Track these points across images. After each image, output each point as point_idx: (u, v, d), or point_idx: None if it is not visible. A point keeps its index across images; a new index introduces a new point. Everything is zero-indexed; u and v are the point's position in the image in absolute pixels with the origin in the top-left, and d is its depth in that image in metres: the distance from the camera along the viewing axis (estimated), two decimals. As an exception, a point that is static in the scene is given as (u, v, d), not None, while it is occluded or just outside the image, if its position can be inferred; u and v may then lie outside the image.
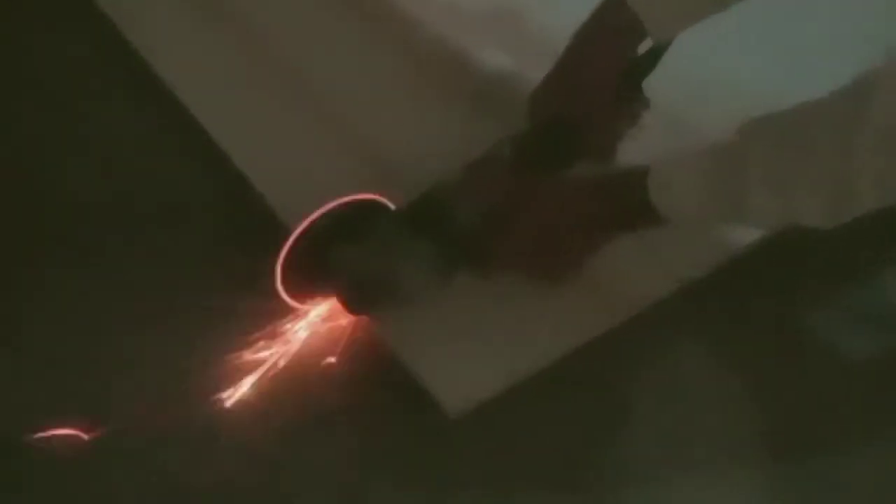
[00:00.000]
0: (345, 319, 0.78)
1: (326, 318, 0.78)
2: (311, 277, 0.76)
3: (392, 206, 0.78)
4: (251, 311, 0.76)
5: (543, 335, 0.76)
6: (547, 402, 0.76)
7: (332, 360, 0.76)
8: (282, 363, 0.76)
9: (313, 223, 0.75)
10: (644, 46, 0.78)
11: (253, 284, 0.76)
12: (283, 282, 0.74)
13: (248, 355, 0.75)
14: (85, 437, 0.71)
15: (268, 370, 0.75)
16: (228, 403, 0.73)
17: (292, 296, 0.75)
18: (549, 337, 0.76)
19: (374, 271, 0.75)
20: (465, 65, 0.91)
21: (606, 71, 0.77)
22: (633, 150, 0.80)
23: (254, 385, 0.74)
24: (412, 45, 0.94)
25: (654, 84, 0.81)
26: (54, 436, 0.71)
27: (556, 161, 0.79)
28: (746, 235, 0.81)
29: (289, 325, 0.77)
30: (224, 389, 0.74)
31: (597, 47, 0.77)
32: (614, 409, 0.78)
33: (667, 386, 0.80)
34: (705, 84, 0.88)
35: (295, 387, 0.76)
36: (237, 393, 0.73)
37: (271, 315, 0.77)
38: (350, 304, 0.76)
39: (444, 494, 0.73)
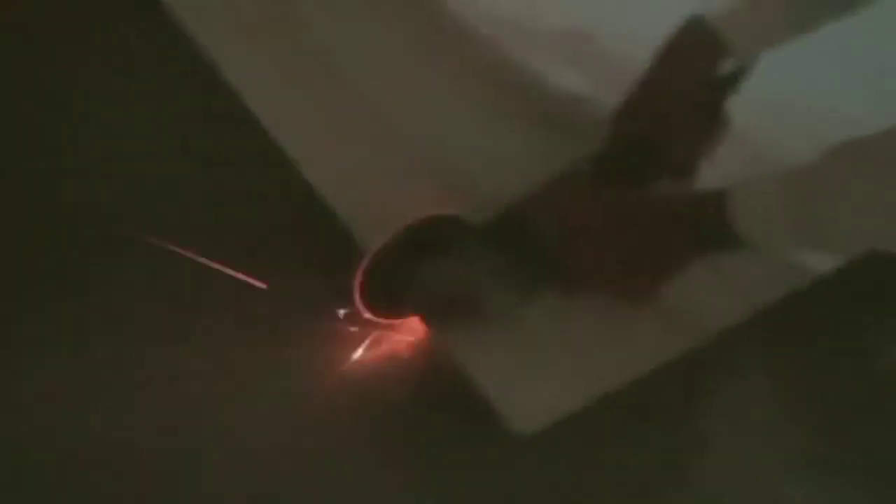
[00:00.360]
0: (420, 333, 0.79)
1: (403, 332, 0.79)
2: (391, 292, 0.76)
3: (472, 223, 0.79)
4: (330, 323, 0.79)
5: (616, 358, 0.77)
6: (615, 427, 0.77)
7: (403, 372, 0.78)
8: (355, 372, 0.78)
9: (395, 238, 0.76)
10: (726, 66, 0.79)
11: (334, 299, 0.78)
12: (362, 296, 0.75)
13: (325, 364, 0.78)
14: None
15: (342, 378, 0.77)
16: (303, 406, 0.75)
17: (371, 310, 0.76)
18: (621, 360, 0.76)
19: (455, 288, 0.76)
20: (538, 86, 0.94)
21: (688, 91, 0.79)
22: (712, 172, 0.81)
23: (327, 391, 0.76)
24: (487, 66, 0.96)
25: (736, 105, 0.81)
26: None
27: (636, 180, 0.80)
28: (823, 262, 0.80)
29: (364, 337, 0.78)
30: (301, 393, 0.76)
31: (678, 66, 0.79)
32: (684, 437, 0.78)
33: (738, 415, 0.79)
34: (788, 107, 0.89)
35: (365, 396, 0.77)
36: (312, 397, 0.75)
37: (348, 327, 0.79)
38: (430, 320, 0.77)
39: None
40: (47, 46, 1.07)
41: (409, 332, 0.81)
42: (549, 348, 0.77)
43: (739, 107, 0.81)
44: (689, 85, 0.79)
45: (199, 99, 0.97)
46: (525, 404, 0.74)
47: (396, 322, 0.79)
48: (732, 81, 0.80)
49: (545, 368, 0.77)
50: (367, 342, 0.80)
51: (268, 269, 0.87)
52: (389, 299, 0.77)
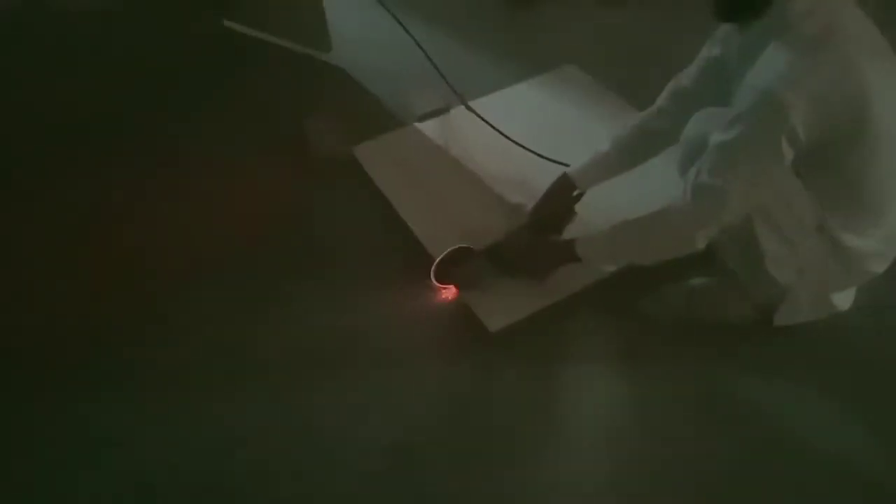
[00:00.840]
0: (454, 292, 1.83)
1: (448, 292, 1.85)
2: (445, 276, 1.82)
3: (478, 250, 1.84)
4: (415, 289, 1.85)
5: (544, 290, 1.78)
6: (558, 325, 1.76)
7: (447, 305, 1.82)
8: (429, 306, 1.82)
9: (446, 254, 1.82)
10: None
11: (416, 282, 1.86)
12: (436, 277, 1.82)
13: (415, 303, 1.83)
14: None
15: (423, 309, 1.82)
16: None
17: (438, 282, 1.82)
18: (544, 293, 1.78)
19: (472, 276, 1.82)
20: (504, 199, 2.06)
21: (560, 203, 1.86)
22: (570, 231, 1.87)
23: (414, 311, 1.81)
24: (483, 189, 2.11)
25: (580, 207, 1.89)
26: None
27: (542, 234, 1.85)
28: (615, 267, 1.71)
29: (431, 293, 1.86)
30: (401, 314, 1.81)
31: (558, 192, 1.85)
32: (561, 335, 1.73)
33: (585, 329, 1.75)
34: (600, 205, 1.87)
35: (431, 313, 1.81)
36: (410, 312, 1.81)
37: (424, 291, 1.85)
38: (461, 286, 1.82)
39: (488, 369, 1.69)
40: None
41: (450, 292, 1.84)
42: (504, 291, 1.79)
43: (581, 207, 1.89)
44: (562, 199, 1.86)
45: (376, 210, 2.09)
46: (492, 313, 1.76)
47: (447, 287, 1.83)
48: (577, 198, 1.87)
49: (501, 298, 1.78)
50: (435, 295, 1.85)
51: (387, 269, 1.94)
52: (445, 278, 1.82)
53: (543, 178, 1.96)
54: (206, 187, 2.20)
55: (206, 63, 2.58)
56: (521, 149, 2.17)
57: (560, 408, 1.63)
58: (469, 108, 2.29)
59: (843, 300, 1.68)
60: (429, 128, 2.35)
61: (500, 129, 2.21)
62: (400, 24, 2.36)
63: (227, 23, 2.70)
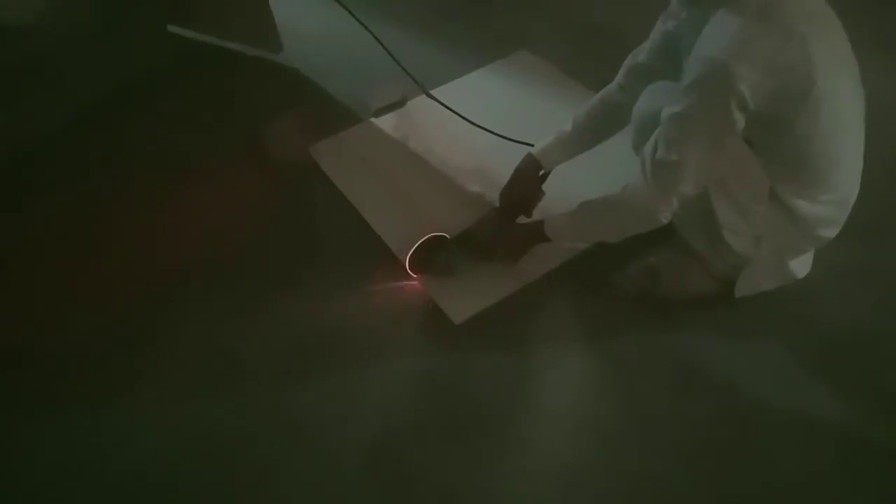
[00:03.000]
0: (422, 287, 1.85)
1: (415, 286, 1.87)
2: (420, 264, 1.85)
3: (450, 237, 1.87)
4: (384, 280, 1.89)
5: (503, 280, 1.82)
6: (525, 309, 1.80)
7: (415, 298, 1.85)
8: (396, 303, 1.85)
9: (420, 244, 1.83)
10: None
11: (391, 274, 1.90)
12: (410, 265, 1.84)
13: (385, 300, 1.86)
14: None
15: (387, 300, 1.86)
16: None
17: (412, 270, 1.85)
18: (508, 281, 1.82)
19: (445, 263, 1.86)
20: (464, 189, 2.12)
21: (528, 184, 1.88)
22: (539, 212, 1.89)
23: (384, 308, 1.84)
24: (443, 180, 2.14)
25: (546, 186, 1.92)
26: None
27: (511, 217, 1.90)
28: (582, 246, 1.82)
29: (400, 289, 1.88)
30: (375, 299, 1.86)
31: (525, 173, 1.88)
32: (529, 321, 1.77)
33: (554, 312, 1.79)
34: (566, 183, 1.91)
35: (401, 308, 1.83)
36: (380, 309, 1.84)
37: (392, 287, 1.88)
38: (437, 274, 1.85)
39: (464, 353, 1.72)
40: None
41: (418, 286, 1.86)
42: (467, 282, 1.83)
43: (548, 186, 1.92)
44: (529, 180, 1.88)
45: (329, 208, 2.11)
46: (456, 304, 1.78)
47: (420, 275, 1.86)
48: (543, 178, 1.91)
49: (465, 289, 1.81)
50: (404, 290, 1.87)
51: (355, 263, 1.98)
52: (419, 267, 1.86)
53: (502, 166, 2.00)
54: (163, 196, 2.18)
55: (157, 71, 2.57)
56: (478, 138, 2.19)
57: (535, 391, 1.65)
58: (430, 97, 2.28)
59: (801, 268, 1.72)
60: (385, 122, 2.35)
61: (463, 115, 2.21)
62: (354, 17, 2.34)
63: (171, 28, 2.67)
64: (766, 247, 1.61)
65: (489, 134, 2.19)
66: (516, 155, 1.94)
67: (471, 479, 1.52)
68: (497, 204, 1.94)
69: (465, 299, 1.81)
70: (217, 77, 2.59)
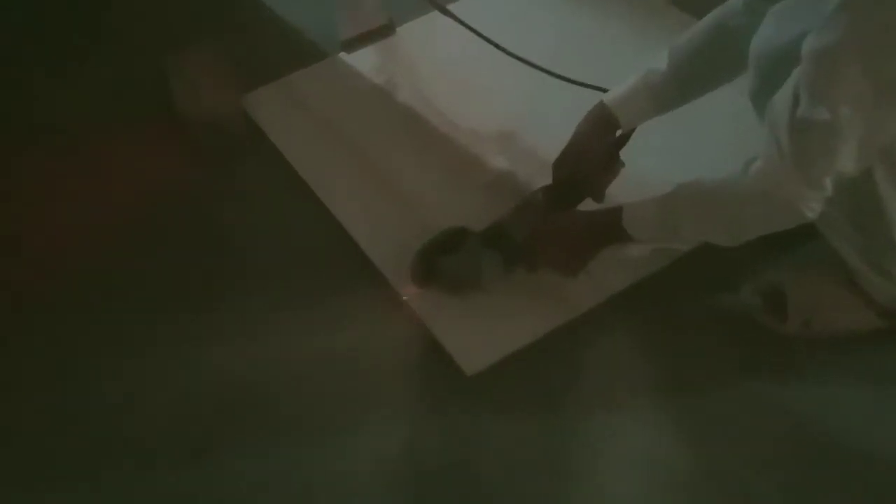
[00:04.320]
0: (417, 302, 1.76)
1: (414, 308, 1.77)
2: (427, 274, 1.73)
3: (474, 231, 1.72)
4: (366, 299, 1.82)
5: (527, 321, 1.70)
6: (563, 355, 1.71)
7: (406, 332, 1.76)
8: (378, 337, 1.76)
9: (429, 242, 1.73)
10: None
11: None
12: (413, 275, 1.73)
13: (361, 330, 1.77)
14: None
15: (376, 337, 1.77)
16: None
17: (416, 283, 1.74)
18: (528, 325, 1.71)
19: (464, 271, 1.71)
20: (482, 163, 1.99)
21: (597, 147, 1.73)
22: (614, 195, 1.72)
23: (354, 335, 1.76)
24: (450, 150, 2.03)
25: (627, 153, 1.74)
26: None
27: (570, 202, 1.73)
28: (680, 249, 1.71)
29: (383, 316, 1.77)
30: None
31: (591, 133, 1.73)
32: (573, 371, 1.69)
33: (611, 357, 1.71)
34: (658, 153, 1.82)
35: (379, 343, 1.76)
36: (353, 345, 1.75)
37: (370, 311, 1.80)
38: (449, 290, 1.73)
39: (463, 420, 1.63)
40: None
41: (415, 307, 1.77)
42: (486, 315, 1.72)
43: (629, 155, 1.74)
44: (597, 144, 1.72)
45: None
46: (469, 348, 1.68)
47: (426, 288, 1.75)
48: (622, 141, 1.72)
49: (482, 326, 1.71)
50: (390, 317, 1.78)
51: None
52: (427, 276, 1.73)
53: (542, 128, 1.90)
54: (52, 172, 2.14)
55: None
56: (506, 85, 2.09)
57: (573, 473, 1.61)
58: (446, 12, 2.12)
59: None
60: (361, 59, 2.27)
61: (494, 41, 2.05)
62: None
63: None
64: None
65: (519, 80, 2.06)
66: (570, 108, 1.81)
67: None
68: (542, 184, 1.82)
69: (482, 339, 1.71)
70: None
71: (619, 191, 1.79)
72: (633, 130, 1.80)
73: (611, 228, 1.63)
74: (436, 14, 2.22)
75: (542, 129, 1.90)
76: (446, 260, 1.75)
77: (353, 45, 2.28)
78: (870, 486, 1.55)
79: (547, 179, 1.82)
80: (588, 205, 1.80)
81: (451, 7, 2.20)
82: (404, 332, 1.79)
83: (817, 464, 1.58)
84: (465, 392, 1.71)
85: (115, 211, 2.09)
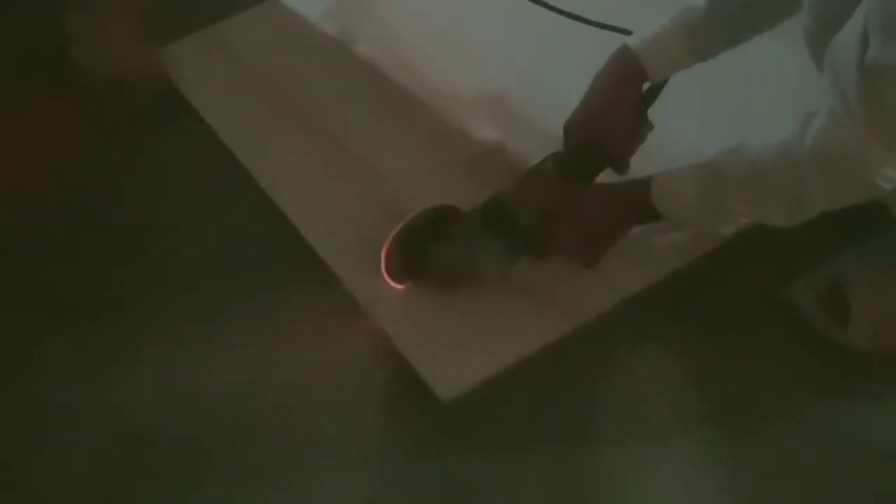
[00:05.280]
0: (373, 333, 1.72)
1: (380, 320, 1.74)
2: (407, 264, 1.70)
3: (466, 211, 1.67)
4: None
5: (514, 337, 1.70)
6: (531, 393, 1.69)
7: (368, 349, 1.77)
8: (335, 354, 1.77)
9: (408, 224, 1.68)
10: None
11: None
12: (386, 265, 1.69)
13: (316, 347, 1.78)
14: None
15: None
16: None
17: (392, 276, 1.71)
18: (518, 339, 1.69)
19: (456, 260, 1.67)
20: (465, 137, 2.00)
21: (621, 104, 1.70)
22: (640, 165, 1.68)
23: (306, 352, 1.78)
24: (428, 123, 2.02)
25: (656, 113, 1.70)
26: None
27: (586, 173, 1.71)
28: (723, 231, 1.75)
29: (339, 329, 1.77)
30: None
31: (613, 86, 1.70)
32: (582, 393, 1.71)
33: (629, 375, 1.74)
34: (695, 113, 1.81)
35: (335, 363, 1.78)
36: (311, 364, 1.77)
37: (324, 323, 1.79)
38: (440, 285, 1.73)
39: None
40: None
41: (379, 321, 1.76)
42: (464, 328, 1.72)
43: (659, 114, 1.73)
44: (621, 100, 1.69)
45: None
46: (445, 370, 1.67)
47: (404, 283, 1.73)
48: (651, 97, 1.68)
49: (461, 340, 1.71)
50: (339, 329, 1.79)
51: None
52: (406, 269, 1.71)
53: (534, 92, 1.98)
54: None
55: None
56: (490, 39, 2.15)
57: None
58: None
59: None
60: (308, 2, 2.30)
61: None
62: None
63: None
64: None
65: (511, 30, 2.12)
66: (572, 67, 1.84)
67: None
68: (529, 161, 1.85)
69: (462, 356, 1.71)
70: None
71: (647, 160, 1.79)
72: (664, 83, 1.82)
73: (637, 206, 1.67)
74: None
75: (543, 89, 1.93)
76: (434, 247, 1.74)
77: None
78: None
79: (541, 152, 1.84)
80: (608, 177, 1.82)
81: None
82: (366, 350, 1.83)
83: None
84: (446, 424, 1.74)
85: (46, 180, 2.17)
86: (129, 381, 1.81)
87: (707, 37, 1.75)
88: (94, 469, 1.74)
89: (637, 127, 1.81)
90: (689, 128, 1.84)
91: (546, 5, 2.01)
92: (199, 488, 1.70)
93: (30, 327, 1.89)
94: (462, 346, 1.73)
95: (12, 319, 1.91)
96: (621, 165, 1.81)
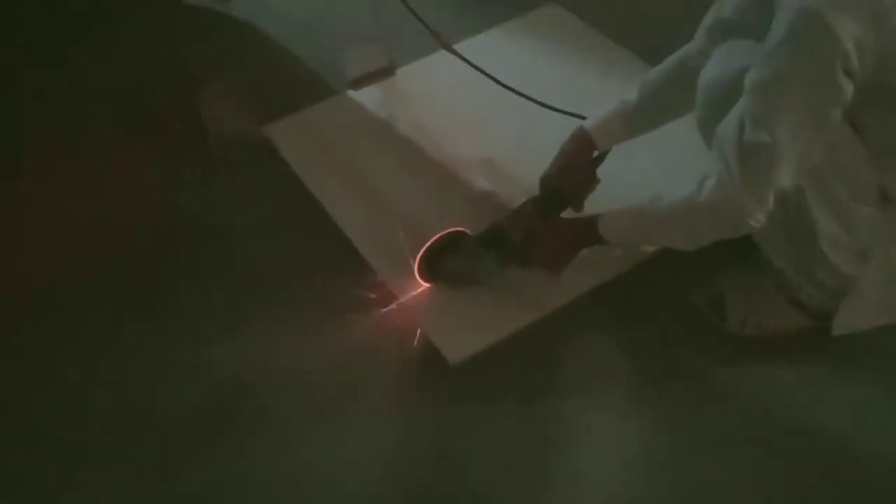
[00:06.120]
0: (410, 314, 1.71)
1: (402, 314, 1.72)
2: (430, 270, 1.70)
3: (472, 234, 1.68)
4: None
5: (503, 319, 1.69)
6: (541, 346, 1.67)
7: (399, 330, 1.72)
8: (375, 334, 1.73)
9: (432, 243, 1.70)
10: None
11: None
12: (419, 271, 1.70)
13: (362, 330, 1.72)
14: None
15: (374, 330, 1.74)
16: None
17: (422, 278, 1.72)
18: (506, 321, 1.69)
19: (463, 268, 1.68)
20: (470, 185, 1.97)
21: (578, 165, 1.71)
22: (591, 205, 1.67)
23: (361, 342, 1.72)
24: (442, 174, 2.01)
25: (602, 171, 1.70)
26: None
27: (554, 211, 1.69)
28: (646, 250, 1.72)
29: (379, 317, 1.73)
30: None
31: (573, 153, 1.71)
32: (549, 362, 1.67)
33: (584, 350, 1.69)
34: (628, 172, 1.77)
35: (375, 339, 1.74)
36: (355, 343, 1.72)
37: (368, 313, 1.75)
38: (452, 284, 1.73)
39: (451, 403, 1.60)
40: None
41: (405, 314, 1.73)
42: (469, 310, 1.72)
43: (604, 172, 1.70)
44: (577, 163, 1.70)
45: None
46: (453, 340, 1.66)
47: (431, 283, 1.75)
48: (599, 161, 1.68)
49: (465, 320, 1.70)
50: (385, 319, 1.75)
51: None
52: (430, 273, 1.72)
53: (520, 155, 1.93)
54: (68, 185, 2.03)
55: (65, 22, 2.39)
56: (490, 119, 2.08)
57: (548, 460, 1.58)
58: (452, 51, 2.08)
59: None
60: (366, 96, 2.21)
61: (492, 75, 2.02)
62: None
63: None
64: (875, 264, 1.52)
65: (500, 114, 2.07)
66: (540, 141, 1.82)
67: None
68: (513, 204, 1.83)
69: (466, 332, 1.69)
70: (143, 30, 2.40)
71: (596, 202, 1.78)
72: (608, 152, 1.79)
73: (589, 234, 1.64)
74: (431, 58, 2.25)
75: (524, 155, 1.91)
76: (449, 259, 1.74)
77: (358, 83, 2.23)
78: (786, 451, 1.58)
79: (523, 197, 1.82)
80: (569, 213, 1.81)
81: (442, 53, 2.21)
82: (399, 329, 1.76)
83: (762, 441, 1.60)
84: (451, 382, 1.69)
85: (146, 216, 2.06)
86: (227, 346, 1.78)
87: (636, 122, 1.74)
88: (184, 413, 1.70)
89: (590, 181, 1.80)
90: (624, 182, 1.80)
91: (527, 97, 1.96)
92: (266, 426, 1.66)
93: (128, 317, 1.86)
94: (465, 326, 1.72)
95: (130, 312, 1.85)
96: (578, 206, 1.80)
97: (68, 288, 1.83)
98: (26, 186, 2.05)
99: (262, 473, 1.56)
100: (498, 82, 1.97)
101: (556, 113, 1.91)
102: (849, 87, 1.28)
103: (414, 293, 1.76)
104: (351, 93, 2.23)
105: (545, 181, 1.79)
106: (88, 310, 1.78)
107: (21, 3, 2.48)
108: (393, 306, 1.76)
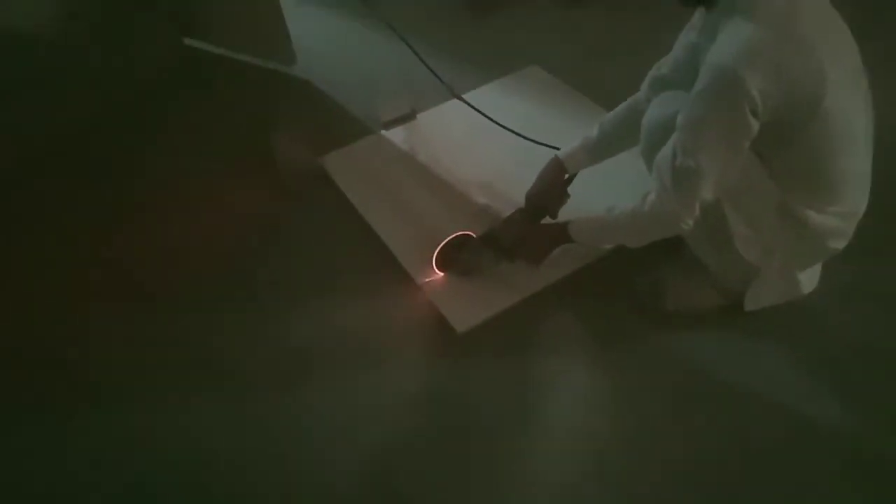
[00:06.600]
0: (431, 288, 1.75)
1: (426, 288, 1.75)
2: (443, 262, 1.75)
3: (476, 236, 1.73)
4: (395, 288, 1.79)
5: (497, 298, 1.73)
6: (529, 319, 1.69)
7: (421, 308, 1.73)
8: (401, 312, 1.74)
9: (445, 243, 1.74)
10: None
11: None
12: (436, 263, 1.74)
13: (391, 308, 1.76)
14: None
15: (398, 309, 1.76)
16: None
17: (438, 268, 1.75)
18: (500, 299, 1.73)
19: (469, 262, 1.74)
20: (469, 202, 1.98)
21: (553, 185, 1.75)
22: (563, 214, 1.72)
23: (391, 317, 1.74)
24: (450, 192, 2.01)
25: (571, 189, 1.75)
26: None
27: (536, 219, 1.74)
28: (605, 249, 1.74)
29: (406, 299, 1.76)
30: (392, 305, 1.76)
31: (550, 176, 1.75)
32: (536, 332, 1.68)
33: (563, 322, 1.70)
34: (590, 189, 1.77)
35: (401, 314, 1.76)
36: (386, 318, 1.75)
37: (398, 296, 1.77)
38: (460, 273, 1.77)
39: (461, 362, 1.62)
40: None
41: (428, 289, 1.76)
42: (472, 290, 1.75)
43: (574, 189, 1.74)
44: (553, 183, 1.74)
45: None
46: (459, 313, 1.70)
47: (445, 272, 1.78)
48: (569, 181, 1.73)
49: (469, 297, 1.74)
50: (410, 299, 1.76)
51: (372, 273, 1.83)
52: (443, 264, 1.75)
53: (508, 178, 1.93)
54: (176, 207, 2.07)
55: (168, 83, 2.43)
56: (484, 152, 2.11)
57: (535, 403, 1.58)
58: (461, 100, 2.12)
59: (808, 283, 1.62)
60: (395, 135, 2.22)
61: (492, 118, 2.07)
62: (394, 30, 2.16)
63: (187, 41, 2.53)
64: (776, 257, 1.54)
65: (494, 148, 2.07)
66: (524, 167, 1.84)
67: (465, 496, 1.44)
68: (504, 214, 1.82)
69: (469, 308, 1.71)
70: (229, 88, 2.43)
71: (567, 212, 1.81)
72: (575, 174, 1.82)
73: (562, 236, 1.67)
74: (443, 107, 2.29)
75: (513, 177, 1.93)
76: (458, 254, 1.78)
77: (389, 125, 2.26)
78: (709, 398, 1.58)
79: (512, 209, 1.84)
80: (548, 220, 1.83)
81: (451, 101, 2.27)
82: (420, 306, 1.77)
83: (686, 388, 1.61)
84: (459, 346, 1.71)
85: (237, 227, 2.07)
86: (296, 317, 1.82)
87: (597, 152, 1.76)
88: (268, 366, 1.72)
89: (562, 196, 1.83)
90: (586, 197, 1.82)
91: (516, 133, 2.04)
92: (324, 373, 1.71)
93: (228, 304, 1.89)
94: (470, 303, 1.75)
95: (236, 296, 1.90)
96: (553, 215, 1.83)
97: (198, 279, 1.92)
98: (160, 204, 2.13)
99: (328, 406, 1.62)
100: (495, 122, 2.03)
101: (537, 145, 1.95)
102: (755, 125, 1.30)
103: (431, 280, 1.79)
104: (384, 132, 2.27)
105: (529, 197, 1.82)
106: (197, 299, 1.85)
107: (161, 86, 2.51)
108: (416, 290, 1.78)
